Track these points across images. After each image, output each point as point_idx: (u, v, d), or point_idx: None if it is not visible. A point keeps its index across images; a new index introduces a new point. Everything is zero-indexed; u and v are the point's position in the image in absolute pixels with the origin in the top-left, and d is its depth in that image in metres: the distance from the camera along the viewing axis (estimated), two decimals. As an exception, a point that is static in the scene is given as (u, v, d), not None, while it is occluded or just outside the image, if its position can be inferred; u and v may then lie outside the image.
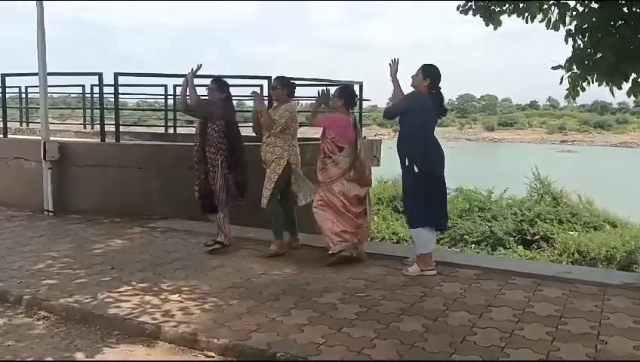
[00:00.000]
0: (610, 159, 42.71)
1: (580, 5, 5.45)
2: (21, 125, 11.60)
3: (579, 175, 23.14)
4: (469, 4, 5.79)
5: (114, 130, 7.95)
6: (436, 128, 4.92)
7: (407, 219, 5.17)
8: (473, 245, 11.38)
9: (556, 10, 5.53)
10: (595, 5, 5.33)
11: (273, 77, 5.62)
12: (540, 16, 5.64)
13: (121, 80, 7.51)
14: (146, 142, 9.47)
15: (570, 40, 5.45)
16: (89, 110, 11.71)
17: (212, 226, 5.57)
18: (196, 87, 5.60)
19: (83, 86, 11.46)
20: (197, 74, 5.51)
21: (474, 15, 5.78)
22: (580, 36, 5.37)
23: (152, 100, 17.88)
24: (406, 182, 4.88)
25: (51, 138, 7.45)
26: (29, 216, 7.15)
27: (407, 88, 4.92)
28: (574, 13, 5.47)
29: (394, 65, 4.97)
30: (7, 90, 8.87)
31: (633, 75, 5.18)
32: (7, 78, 8.33)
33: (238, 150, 5.38)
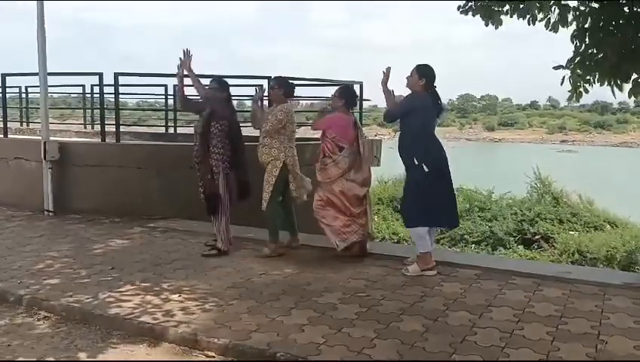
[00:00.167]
0: (611, 159, 42.69)
1: (581, 5, 5.44)
2: (21, 125, 11.60)
3: (579, 175, 23.14)
4: (469, 4, 5.78)
5: (114, 130, 7.95)
6: (436, 128, 4.90)
7: (404, 219, 5.16)
8: (473, 245, 11.39)
9: (557, 11, 5.51)
10: (596, 5, 5.32)
11: (273, 77, 5.59)
12: (540, 16, 5.63)
13: (122, 80, 7.50)
14: (146, 142, 9.47)
15: (574, 40, 5.44)
16: (89, 110, 11.72)
17: (212, 226, 5.55)
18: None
19: (83, 86, 11.47)
20: (197, 73, 5.47)
21: (473, 15, 5.76)
22: (581, 36, 5.36)
23: (153, 100, 17.87)
24: (412, 181, 4.85)
25: (51, 138, 7.45)
26: (29, 216, 7.15)
27: (403, 90, 4.90)
28: (576, 13, 5.45)
29: (386, 73, 4.95)
30: (8, 90, 8.87)
31: (634, 76, 5.17)
32: (7, 77, 8.33)
33: (239, 150, 5.37)
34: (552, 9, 5.53)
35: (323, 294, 4.27)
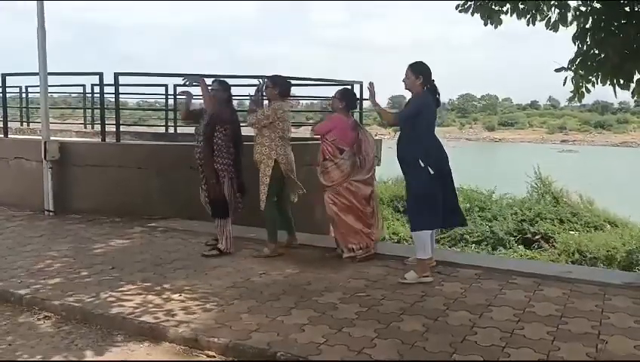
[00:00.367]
0: (611, 159, 42.68)
1: (582, 5, 5.43)
2: (22, 125, 11.59)
3: (579, 175, 23.15)
4: (469, 3, 5.77)
5: (114, 129, 7.95)
6: (436, 128, 4.84)
7: (410, 222, 4.95)
8: (473, 245, 11.38)
9: (557, 11, 5.51)
10: (597, 5, 5.31)
11: (269, 76, 5.49)
12: (539, 15, 5.62)
13: (122, 80, 7.50)
14: (146, 142, 9.47)
15: (576, 41, 5.43)
16: (89, 110, 11.73)
17: (212, 226, 5.55)
18: (193, 87, 5.58)
19: (83, 86, 11.47)
20: (197, 74, 5.47)
21: (472, 15, 5.75)
22: (583, 37, 5.35)
23: (153, 100, 17.88)
24: (415, 183, 4.70)
25: (52, 138, 7.45)
26: (30, 215, 7.15)
27: (404, 92, 4.84)
28: (577, 13, 5.45)
29: (371, 90, 4.91)
30: (8, 89, 8.88)
31: (637, 76, 5.16)
32: (7, 77, 8.34)
33: (240, 153, 5.38)
34: (552, 9, 5.52)
35: (323, 294, 4.27)
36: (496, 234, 11.52)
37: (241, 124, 5.60)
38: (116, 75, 7.35)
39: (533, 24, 5.58)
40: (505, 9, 5.63)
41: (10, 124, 9.17)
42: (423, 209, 4.64)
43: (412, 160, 4.63)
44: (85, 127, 11.89)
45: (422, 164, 4.57)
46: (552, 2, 5.53)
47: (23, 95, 11.76)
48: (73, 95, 15.05)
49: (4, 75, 8.25)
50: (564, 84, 5.55)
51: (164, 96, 11.19)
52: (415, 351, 3.30)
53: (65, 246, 5.62)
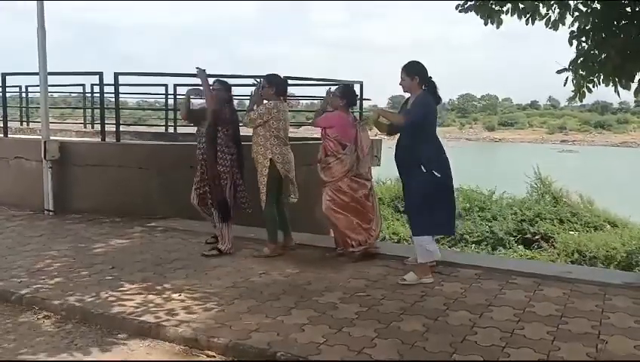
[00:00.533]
0: (611, 159, 42.69)
1: (583, 5, 5.43)
2: (21, 125, 11.61)
3: (579, 175, 23.15)
4: (469, 3, 5.76)
5: (114, 129, 7.96)
6: (437, 128, 4.76)
7: (413, 227, 4.78)
8: (473, 245, 11.39)
9: (557, 10, 5.50)
10: (597, 5, 5.30)
11: (264, 75, 5.42)
12: (537, 16, 5.61)
13: (122, 79, 7.50)
14: (146, 142, 9.47)
15: (574, 41, 5.43)
16: (89, 110, 11.74)
17: (212, 226, 5.55)
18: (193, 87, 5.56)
19: (83, 85, 11.48)
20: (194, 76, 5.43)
21: (476, 13, 5.74)
22: (584, 37, 5.35)
23: (153, 100, 17.89)
24: (417, 188, 4.58)
25: (52, 137, 7.45)
26: (30, 215, 7.15)
27: (401, 92, 4.77)
28: (577, 13, 5.45)
29: (375, 113, 4.88)
30: (8, 89, 8.88)
31: (639, 76, 5.15)
32: (7, 77, 8.34)
33: (241, 153, 5.37)
34: (553, 8, 5.52)
35: (323, 294, 4.27)
36: (496, 234, 11.53)
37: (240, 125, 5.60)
38: (116, 75, 7.35)
39: (533, 23, 5.57)
40: (505, 9, 5.62)
41: (10, 124, 9.17)
42: (426, 213, 4.56)
43: (415, 163, 4.55)
44: (85, 127, 11.90)
45: (424, 169, 4.50)
46: (553, 2, 5.53)
47: (23, 95, 11.78)
48: (73, 95, 15.06)
49: (4, 75, 8.26)
50: (564, 85, 5.54)
51: (164, 96, 11.21)
52: (415, 351, 3.30)
53: (65, 246, 5.62)
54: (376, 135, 7.35)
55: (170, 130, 10.75)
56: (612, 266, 9.54)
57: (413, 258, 4.86)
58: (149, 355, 3.39)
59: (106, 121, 8.07)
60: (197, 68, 5.29)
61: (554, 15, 5.53)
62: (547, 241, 11.15)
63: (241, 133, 5.48)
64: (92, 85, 10.76)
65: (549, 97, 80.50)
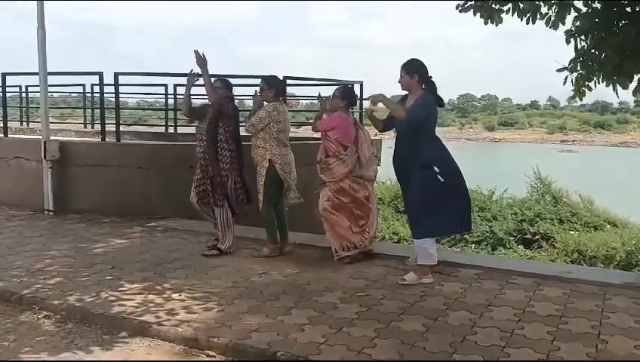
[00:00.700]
0: (611, 159, 42.70)
1: (583, 5, 5.43)
2: (21, 124, 11.60)
3: (579, 175, 23.16)
4: (469, 2, 5.76)
5: (114, 129, 7.95)
6: (437, 128, 4.72)
7: (414, 229, 4.73)
8: (473, 245, 11.38)
9: (557, 10, 5.50)
10: (598, 5, 5.30)
11: (262, 77, 5.41)
12: (538, 15, 5.61)
13: (122, 79, 7.50)
14: (146, 142, 9.46)
15: (571, 41, 5.43)
16: (89, 109, 11.74)
17: (217, 228, 5.52)
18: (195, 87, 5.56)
19: (83, 85, 11.49)
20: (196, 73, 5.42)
21: (474, 14, 5.74)
22: (583, 37, 5.35)
23: (153, 100, 17.90)
24: (418, 189, 4.52)
25: (52, 137, 7.45)
26: (30, 215, 7.15)
27: (401, 91, 4.70)
28: (576, 13, 5.45)
29: (379, 96, 4.59)
30: (8, 89, 8.88)
31: (638, 75, 5.15)
32: (7, 77, 8.34)
33: (241, 150, 5.38)
34: (553, 8, 5.52)
35: (323, 294, 4.27)
36: (496, 234, 11.52)
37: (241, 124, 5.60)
38: (116, 75, 7.35)
39: (534, 22, 5.57)
40: (506, 8, 5.62)
41: (10, 124, 9.17)
42: (427, 215, 4.53)
43: (416, 163, 4.51)
44: (85, 127, 11.90)
45: (425, 170, 4.46)
46: (553, 1, 5.53)
47: (23, 95, 11.78)
48: (73, 95, 15.05)
49: (4, 75, 8.25)
50: (564, 84, 5.55)
51: (164, 96, 11.22)
52: (415, 350, 3.30)
53: (65, 246, 5.62)
54: (376, 135, 7.35)
55: (171, 130, 10.76)
56: (612, 266, 9.53)
57: (414, 258, 4.86)
58: (149, 355, 3.39)
59: (106, 121, 8.07)
60: (195, 51, 5.22)
61: (553, 15, 5.54)
62: (547, 241, 11.15)
63: (241, 133, 5.48)
64: (92, 85, 10.78)
65: (549, 97, 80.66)
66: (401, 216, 12.26)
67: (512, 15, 5.64)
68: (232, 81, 5.83)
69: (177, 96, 10.88)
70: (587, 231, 11.43)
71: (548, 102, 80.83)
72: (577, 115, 72.48)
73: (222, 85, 5.35)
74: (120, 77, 7.40)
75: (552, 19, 5.53)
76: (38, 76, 7.23)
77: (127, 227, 6.50)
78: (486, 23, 5.74)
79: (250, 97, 5.53)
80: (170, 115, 10.96)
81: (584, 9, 5.39)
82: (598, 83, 5.46)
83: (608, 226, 11.72)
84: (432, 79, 4.60)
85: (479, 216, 12.49)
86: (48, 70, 7.18)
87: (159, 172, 7.09)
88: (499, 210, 12.64)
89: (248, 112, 5.59)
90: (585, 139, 65.89)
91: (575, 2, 5.48)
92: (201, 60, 5.21)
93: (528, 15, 5.59)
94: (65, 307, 4.00)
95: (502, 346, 3.36)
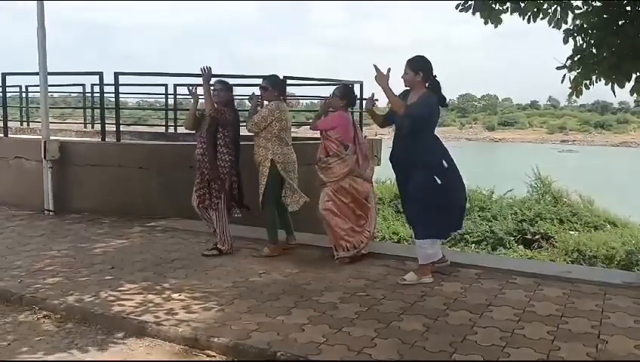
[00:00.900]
0: (611, 159, 42.69)
1: (584, 4, 5.44)
2: (22, 124, 11.60)
3: (580, 175, 23.14)
4: (469, 2, 5.76)
5: (114, 129, 7.96)
6: (436, 128, 4.67)
7: (415, 229, 4.72)
8: (473, 245, 11.39)
9: (559, 9, 5.50)
10: (598, 4, 5.31)
11: (264, 78, 5.40)
12: (541, 14, 5.61)
13: (122, 79, 7.49)
14: (146, 142, 9.47)
15: (570, 40, 5.44)
16: (89, 109, 11.74)
17: (216, 228, 5.52)
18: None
19: (83, 85, 11.49)
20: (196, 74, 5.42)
21: (473, 13, 5.74)
22: (582, 36, 5.35)
23: (153, 100, 17.90)
24: (417, 189, 4.50)
25: (52, 137, 7.44)
26: (30, 215, 7.15)
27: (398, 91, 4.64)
28: (576, 12, 5.45)
29: (385, 74, 4.41)
30: (8, 89, 8.88)
31: (636, 74, 5.16)
32: (7, 77, 8.34)
33: (239, 155, 5.37)
34: (553, 8, 5.52)
35: (323, 293, 4.27)
36: (496, 234, 11.53)
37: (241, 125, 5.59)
38: (116, 75, 7.35)
39: (535, 21, 5.57)
40: (506, 7, 5.62)
41: (10, 124, 9.17)
42: (427, 216, 4.51)
43: (415, 163, 4.49)
44: (85, 127, 11.91)
45: (425, 170, 4.45)
46: (553, 1, 5.53)
47: (23, 95, 11.78)
48: (73, 95, 15.09)
49: (4, 75, 8.25)
50: (562, 81, 5.56)
51: (164, 96, 11.22)
52: (415, 350, 3.30)
53: (65, 246, 5.62)
54: (376, 135, 7.35)
55: (171, 130, 10.76)
56: (612, 266, 9.54)
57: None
58: (149, 355, 3.39)
59: (106, 121, 8.07)
60: (202, 68, 5.25)
61: (558, 13, 5.54)
62: (547, 241, 11.16)
63: (241, 134, 5.48)
64: (92, 85, 10.78)
65: (549, 97, 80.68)
66: (401, 216, 12.25)
67: (512, 14, 5.64)
68: (232, 81, 5.83)
69: (177, 96, 10.90)
70: (587, 231, 11.43)
71: (548, 102, 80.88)
72: (577, 115, 72.46)
73: (222, 87, 5.32)
74: (120, 77, 7.40)
75: (556, 18, 5.53)
76: (38, 76, 7.23)
77: (127, 227, 6.50)
78: (486, 23, 5.75)
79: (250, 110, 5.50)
80: (170, 114, 10.96)
81: (584, 8, 5.40)
82: (596, 82, 5.47)
83: (608, 226, 11.73)
84: (437, 78, 4.55)
85: (479, 216, 12.50)
86: (48, 70, 7.17)
87: (159, 172, 7.09)
88: (499, 210, 12.65)
89: (247, 112, 5.59)
90: (585, 139, 65.85)
91: (574, 1, 5.49)
92: (207, 76, 5.21)
93: (529, 14, 5.59)
94: (65, 307, 4.00)
95: (502, 346, 3.36)
